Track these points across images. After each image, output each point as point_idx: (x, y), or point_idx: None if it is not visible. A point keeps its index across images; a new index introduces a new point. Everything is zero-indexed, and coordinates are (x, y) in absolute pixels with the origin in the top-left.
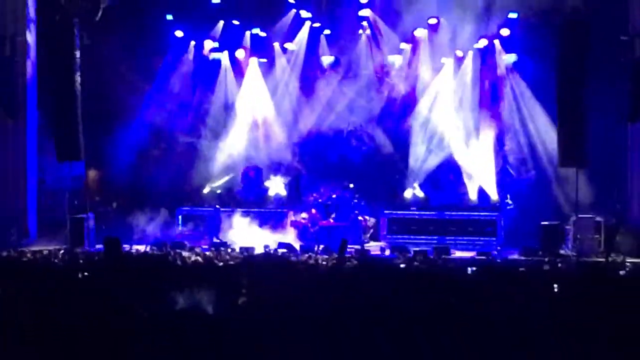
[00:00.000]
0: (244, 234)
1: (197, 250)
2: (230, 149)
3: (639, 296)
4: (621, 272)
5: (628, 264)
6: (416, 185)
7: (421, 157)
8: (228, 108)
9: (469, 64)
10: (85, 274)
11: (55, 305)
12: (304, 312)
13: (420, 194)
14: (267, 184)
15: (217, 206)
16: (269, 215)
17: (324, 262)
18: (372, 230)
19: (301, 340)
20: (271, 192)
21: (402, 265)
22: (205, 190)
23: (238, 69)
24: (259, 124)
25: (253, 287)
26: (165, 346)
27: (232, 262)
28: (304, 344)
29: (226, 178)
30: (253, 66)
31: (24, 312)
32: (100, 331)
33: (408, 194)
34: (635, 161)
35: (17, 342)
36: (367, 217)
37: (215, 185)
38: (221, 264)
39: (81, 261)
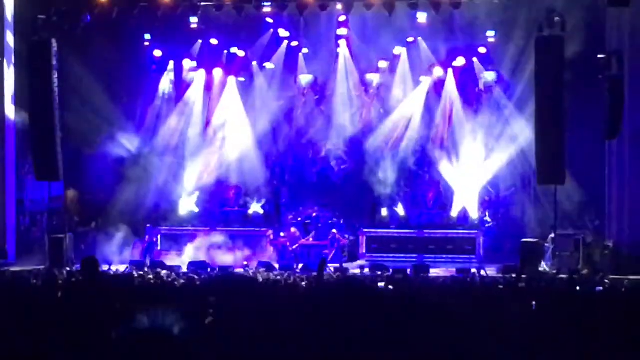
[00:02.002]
0: (219, 253)
1: (176, 270)
2: (207, 169)
3: (615, 313)
4: (598, 288)
5: (607, 281)
6: (399, 204)
7: (400, 175)
8: (206, 127)
9: (448, 82)
10: (63, 294)
11: (33, 326)
12: (282, 333)
13: (401, 212)
14: (245, 203)
15: (149, 225)
16: (248, 234)
17: (303, 282)
18: (347, 249)
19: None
20: (250, 211)
21: (380, 284)
22: (182, 211)
23: (216, 87)
24: (237, 142)
25: (223, 307)
26: None
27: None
28: None
29: (194, 196)
30: (231, 85)
31: (2, 332)
32: (77, 352)
33: (385, 212)
34: (613, 177)
35: None
36: (346, 236)
37: (188, 204)
38: (198, 283)
39: (60, 282)
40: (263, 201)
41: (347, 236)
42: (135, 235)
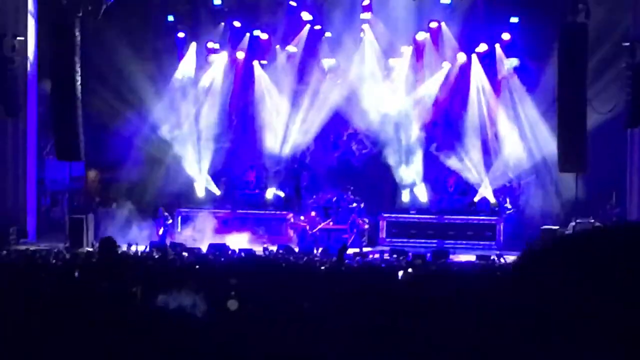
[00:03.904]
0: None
1: (196, 251)
2: (228, 151)
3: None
4: None
5: None
6: (422, 185)
7: (420, 160)
8: (229, 109)
9: (474, 68)
10: (80, 274)
11: (52, 304)
12: (301, 315)
13: (424, 197)
14: (266, 186)
15: (162, 208)
16: (268, 217)
17: (322, 266)
18: (366, 234)
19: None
20: (270, 195)
21: (399, 273)
22: (201, 193)
23: (238, 70)
24: (260, 124)
25: (245, 290)
26: (155, 349)
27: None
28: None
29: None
30: (257, 69)
31: (20, 311)
32: (93, 332)
33: (405, 197)
34: (634, 166)
35: (11, 340)
36: (365, 220)
37: (208, 186)
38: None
39: (80, 262)
40: (277, 191)
41: (366, 220)
42: (155, 216)
